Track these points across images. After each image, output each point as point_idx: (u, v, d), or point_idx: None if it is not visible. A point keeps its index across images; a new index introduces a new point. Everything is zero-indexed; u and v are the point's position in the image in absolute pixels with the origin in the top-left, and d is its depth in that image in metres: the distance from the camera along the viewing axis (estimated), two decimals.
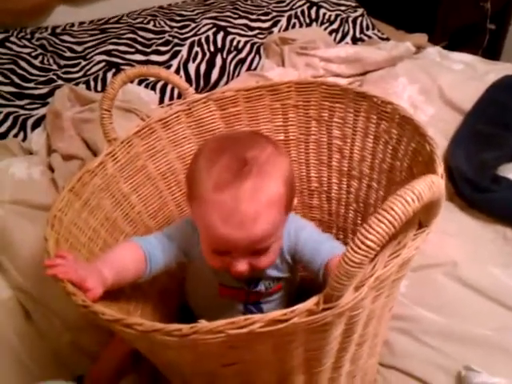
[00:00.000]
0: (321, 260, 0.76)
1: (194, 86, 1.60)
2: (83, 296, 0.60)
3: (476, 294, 1.01)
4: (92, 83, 1.52)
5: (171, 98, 1.56)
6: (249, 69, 1.72)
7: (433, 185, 0.49)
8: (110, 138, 0.89)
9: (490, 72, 1.57)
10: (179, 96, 1.57)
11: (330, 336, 0.58)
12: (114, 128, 0.89)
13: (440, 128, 1.40)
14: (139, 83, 1.53)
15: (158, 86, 1.55)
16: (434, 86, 1.52)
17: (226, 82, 1.67)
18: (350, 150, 0.98)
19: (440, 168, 0.67)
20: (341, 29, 1.92)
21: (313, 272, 0.78)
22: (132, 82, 1.28)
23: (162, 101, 1.55)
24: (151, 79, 1.54)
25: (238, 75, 1.70)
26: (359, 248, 0.46)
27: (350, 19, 1.95)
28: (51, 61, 1.58)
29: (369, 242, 0.46)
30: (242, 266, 0.72)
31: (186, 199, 0.81)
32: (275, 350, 0.58)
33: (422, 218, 0.59)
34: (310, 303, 0.51)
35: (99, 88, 1.52)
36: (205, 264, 0.77)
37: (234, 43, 1.72)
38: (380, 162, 0.93)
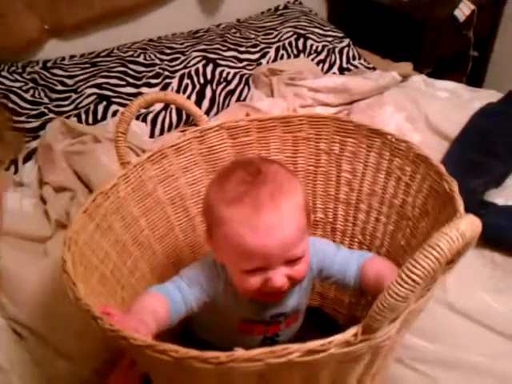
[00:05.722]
0: (354, 269, 0.79)
1: (184, 117, 1.62)
2: (109, 320, 0.58)
3: (466, 319, 1.01)
4: (83, 116, 1.53)
5: (162, 130, 1.58)
6: (238, 100, 1.73)
7: (473, 225, 0.50)
8: (124, 160, 0.89)
9: (474, 99, 1.60)
10: (169, 129, 1.59)
11: (358, 367, 0.58)
12: (128, 151, 0.89)
13: None
14: None
15: (149, 117, 1.57)
16: (421, 113, 1.54)
17: (216, 113, 1.69)
18: (359, 184, 0.98)
19: (461, 207, 0.69)
20: (328, 59, 1.96)
21: (343, 283, 0.82)
22: None
23: (152, 133, 1.57)
24: (142, 111, 1.55)
25: (227, 106, 1.72)
26: (405, 282, 0.47)
27: (337, 49, 1.99)
28: (42, 94, 1.59)
29: (414, 277, 0.47)
30: (279, 278, 0.70)
31: (205, 238, 0.79)
32: (302, 379, 0.57)
33: None
34: (348, 334, 0.51)
35: (90, 121, 1.53)
36: (229, 301, 0.77)
37: (224, 75, 1.74)
38: (391, 197, 0.93)
